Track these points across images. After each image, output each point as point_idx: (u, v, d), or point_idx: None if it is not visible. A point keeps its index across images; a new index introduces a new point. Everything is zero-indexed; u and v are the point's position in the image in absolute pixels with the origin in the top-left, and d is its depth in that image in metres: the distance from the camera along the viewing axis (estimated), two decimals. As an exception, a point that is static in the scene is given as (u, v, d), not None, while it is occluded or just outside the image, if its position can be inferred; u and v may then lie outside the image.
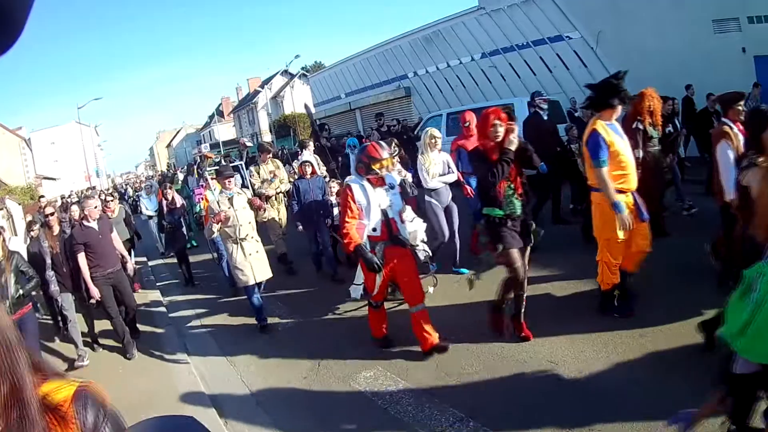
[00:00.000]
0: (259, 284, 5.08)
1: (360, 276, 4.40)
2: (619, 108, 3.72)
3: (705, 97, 8.19)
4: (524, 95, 12.59)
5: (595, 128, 3.66)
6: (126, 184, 32.27)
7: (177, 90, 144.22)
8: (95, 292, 4.89)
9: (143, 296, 7.08)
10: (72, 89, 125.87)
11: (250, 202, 5.10)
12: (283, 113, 35.50)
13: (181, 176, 15.41)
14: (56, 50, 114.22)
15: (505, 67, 15.18)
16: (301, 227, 6.32)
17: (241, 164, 9.97)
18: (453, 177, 5.42)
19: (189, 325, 5.88)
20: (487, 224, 3.75)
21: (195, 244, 9.95)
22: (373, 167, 3.83)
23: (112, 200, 7.99)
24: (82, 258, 4.92)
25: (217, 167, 7.39)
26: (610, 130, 3.68)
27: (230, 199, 5.01)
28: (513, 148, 3.56)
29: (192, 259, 8.09)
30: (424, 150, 5.43)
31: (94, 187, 26.25)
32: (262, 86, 41.23)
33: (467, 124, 5.69)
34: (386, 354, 4.05)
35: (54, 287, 5.04)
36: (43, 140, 41.05)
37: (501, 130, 3.58)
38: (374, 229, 3.86)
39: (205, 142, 45.81)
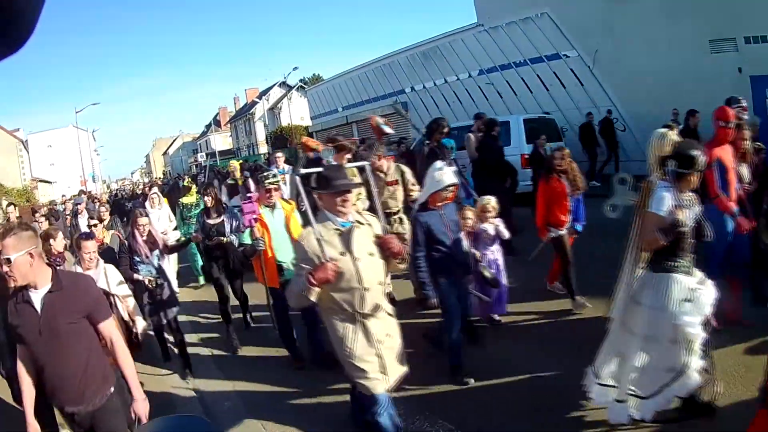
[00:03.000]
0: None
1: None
2: None
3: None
4: (520, 113, 12.64)
5: None
6: (118, 191, 31.56)
7: (174, 98, 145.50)
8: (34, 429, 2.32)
9: (156, 380, 4.27)
10: (70, 92, 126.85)
11: (382, 243, 2.57)
12: (279, 124, 35.54)
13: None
14: (57, 53, 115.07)
15: (502, 85, 15.16)
16: (435, 301, 3.48)
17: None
18: None
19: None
20: None
21: (202, 283, 7.09)
22: None
23: (103, 211, 6.66)
24: (20, 366, 2.30)
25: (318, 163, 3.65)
26: None
27: (343, 235, 2.54)
28: None
29: (203, 296, 6.50)
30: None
31: (87, 192, 24.84)
32: (259, 97, 41.48)
33: (730, 124, 3.78)
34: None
35: None
36: (40, 143, 41.14)
37: None
38: None
39: (201, 152, 45.77)
